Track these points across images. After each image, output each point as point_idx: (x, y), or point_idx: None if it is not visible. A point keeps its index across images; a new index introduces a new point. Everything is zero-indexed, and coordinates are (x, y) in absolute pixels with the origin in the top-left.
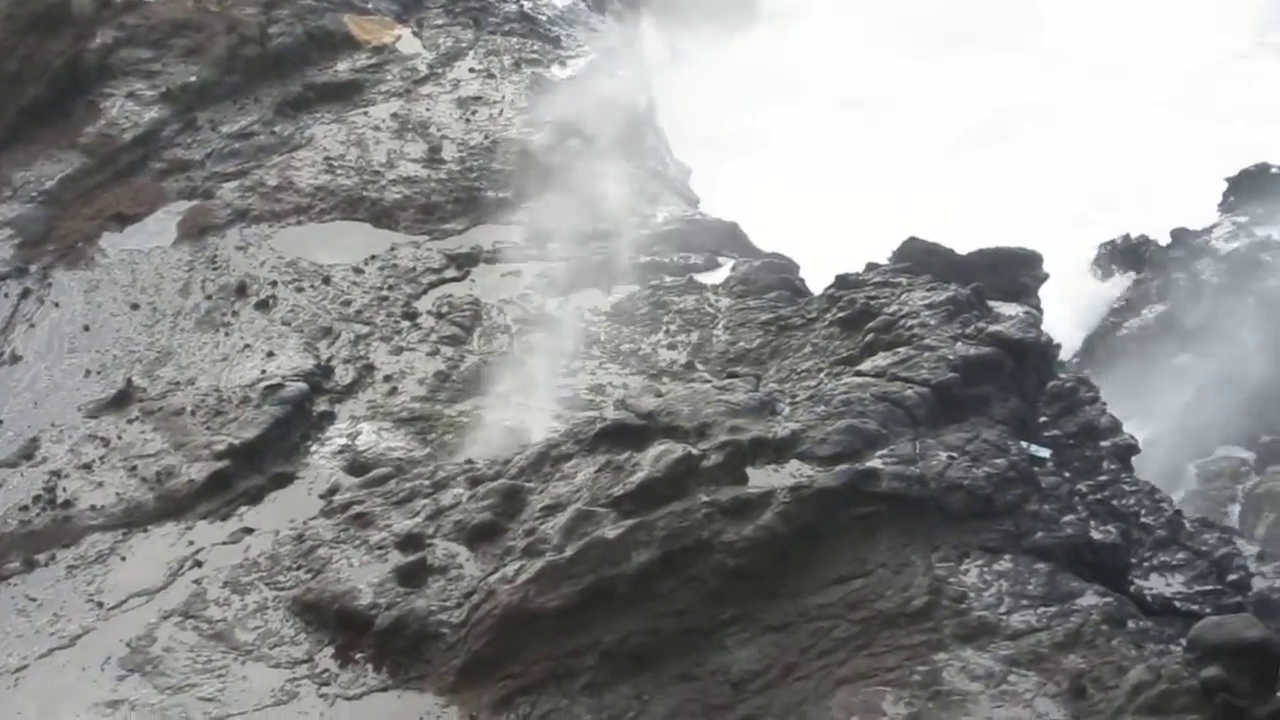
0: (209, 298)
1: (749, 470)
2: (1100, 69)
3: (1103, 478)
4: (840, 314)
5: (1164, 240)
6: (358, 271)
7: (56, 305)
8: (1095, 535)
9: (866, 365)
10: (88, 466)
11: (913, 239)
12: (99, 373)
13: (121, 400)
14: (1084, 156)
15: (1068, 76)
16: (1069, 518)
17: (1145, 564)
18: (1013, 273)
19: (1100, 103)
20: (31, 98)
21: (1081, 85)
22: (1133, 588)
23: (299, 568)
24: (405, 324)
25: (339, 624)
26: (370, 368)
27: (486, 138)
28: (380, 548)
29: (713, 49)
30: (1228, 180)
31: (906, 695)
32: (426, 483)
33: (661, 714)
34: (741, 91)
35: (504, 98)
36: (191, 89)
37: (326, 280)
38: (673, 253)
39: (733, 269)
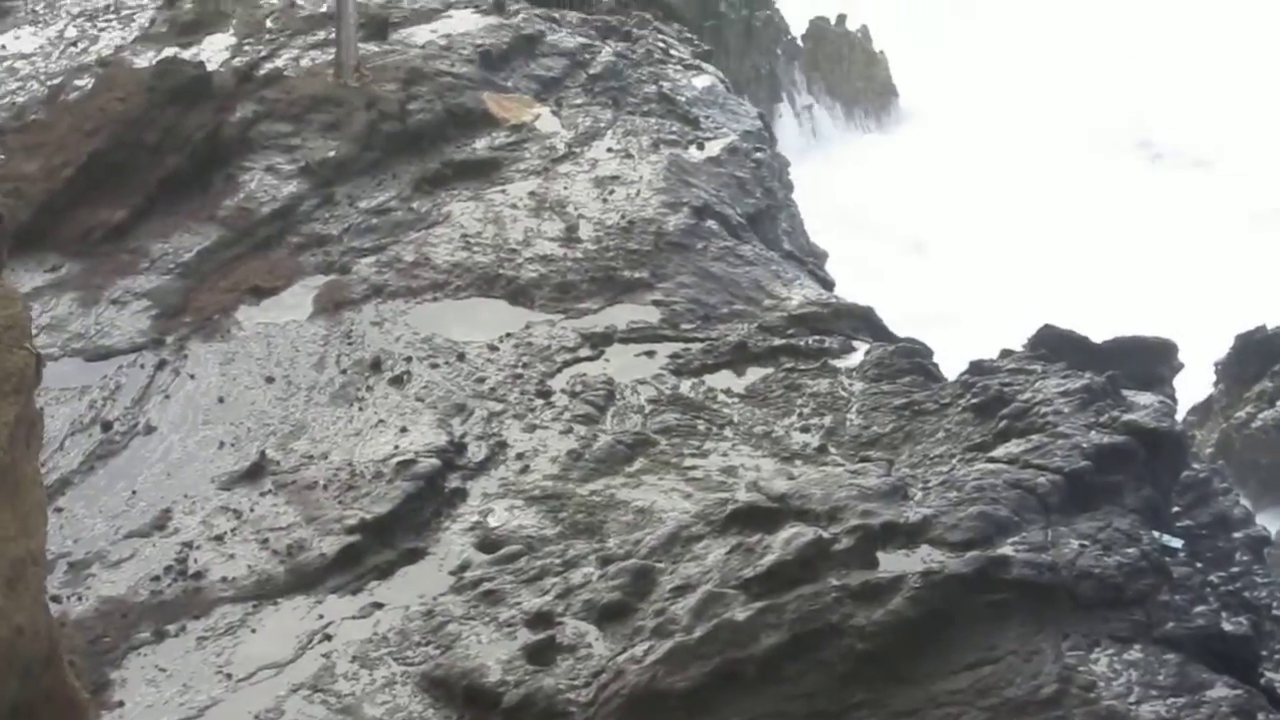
0: (344, 372)
1: (880, 555)
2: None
3: (1235, 569)
4: (974, 400)
5: None
6: (492, 349)
7: (192, 377)
8: (1227, 626)
9: (999, 452)
10: (219, 538)
11: (1047, 326)
12: (233, 445)
13: (255, 473)
14: (1216, 247)
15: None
16: (1200, 608)
17: (1277, 656)
18: (1148, 362)
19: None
20: (171, 169)
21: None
22: (1264, 680)
23: (428, 643)
24: (539, 402)
25: (467, 701)
26: (503, 445)
27: (623, 217)
28: (509, 625)
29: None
30: None
31: None
32: (557, 561)
33: None
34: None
35: (641, 178)
36: (330, 164)
37: (461, 357)
38: (807, 335)
39: (867, 353)
